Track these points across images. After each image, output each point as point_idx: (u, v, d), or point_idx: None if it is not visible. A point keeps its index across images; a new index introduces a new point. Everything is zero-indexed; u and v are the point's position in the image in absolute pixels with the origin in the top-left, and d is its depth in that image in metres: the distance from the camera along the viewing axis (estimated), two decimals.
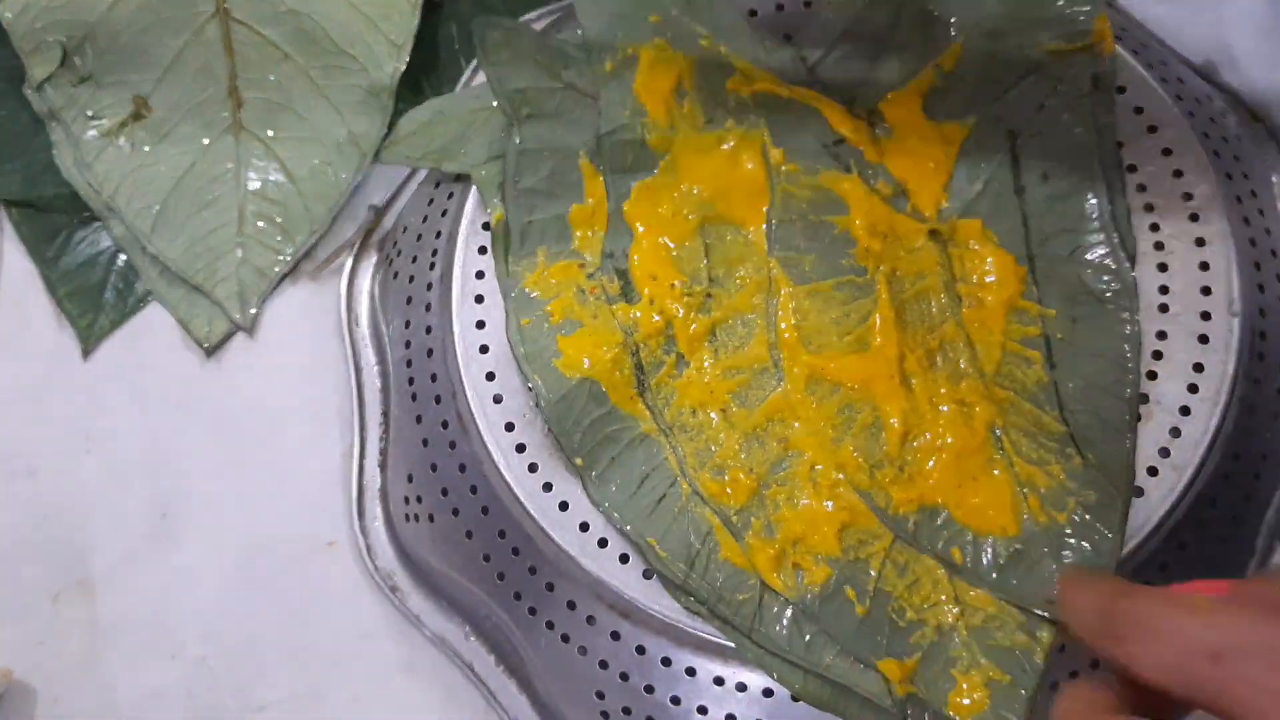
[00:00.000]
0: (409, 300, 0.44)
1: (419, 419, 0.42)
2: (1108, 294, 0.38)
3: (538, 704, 0.42)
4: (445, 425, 0.40)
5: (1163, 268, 0.39)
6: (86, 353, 0.49)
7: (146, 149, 0.48)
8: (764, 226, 0.40)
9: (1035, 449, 0.37)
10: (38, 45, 0.46)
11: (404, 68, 0.48)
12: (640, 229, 0.40)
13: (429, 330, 0.42)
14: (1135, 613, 0.26)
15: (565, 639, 0.38)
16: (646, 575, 0.36)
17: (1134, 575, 0.36)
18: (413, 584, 0.44)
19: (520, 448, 0.38)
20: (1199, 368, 0.37)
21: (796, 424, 0.38)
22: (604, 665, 0.38)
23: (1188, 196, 0.39)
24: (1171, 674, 0.25)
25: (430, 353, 0.41)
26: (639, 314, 0.39)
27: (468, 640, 0.43)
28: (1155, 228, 0.39)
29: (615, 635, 0.37)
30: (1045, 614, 0.35)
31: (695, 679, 0.37)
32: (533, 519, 0.37)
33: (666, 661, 0.37)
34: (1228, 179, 0.40)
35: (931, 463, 0.37)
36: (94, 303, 0.50)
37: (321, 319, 0.49)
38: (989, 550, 0.36)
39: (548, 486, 0.38)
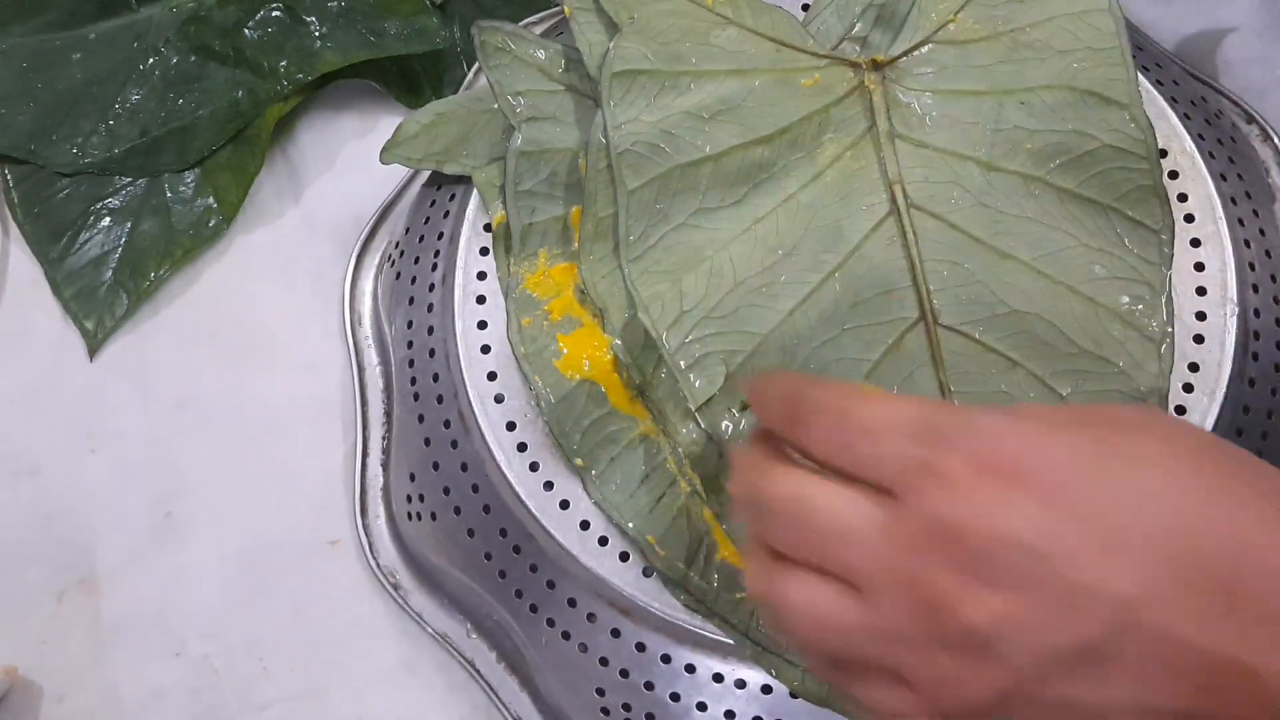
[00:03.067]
0: (411, 300, 0.44)
1: (421, 418, 0.42)
2: None
3: (539, 701, 0.42)
4: (447, 425, 0.41)
5: None
6: (92, 353, 0.50)
7: None
8: None
9: None
10: (695, 361, 0.37)
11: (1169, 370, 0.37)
12: None
13: (431, 330, 0.42)
14: (816, 399, 0.28)
15: (566, 636, 0.39)
16: (646, 573, 0.37)
17: None
18: (415, 582, 0.45)
19: (521, 447, 0.38)
20: (1194, 367, 0.38)
21: None
22: (604, 662, 0.38)
23: (1183, 198, 0.40)
24: (834, 448, 0.27)
25: (432, 353, 0.42)
26: None
27: (469, 638, 0.43)
28: None
29: (615, 632, 0.38)
30: None
31: (694, 676, 0.37)
32: (534, 517, 0.37)
33: (666, 658, 0.37)
34: (1222, 180, 0.41)
35: None
36: (99, 303, 0.50)
37: (324, 319, 0.49)
38: None
39: (549, 485, 0.38)
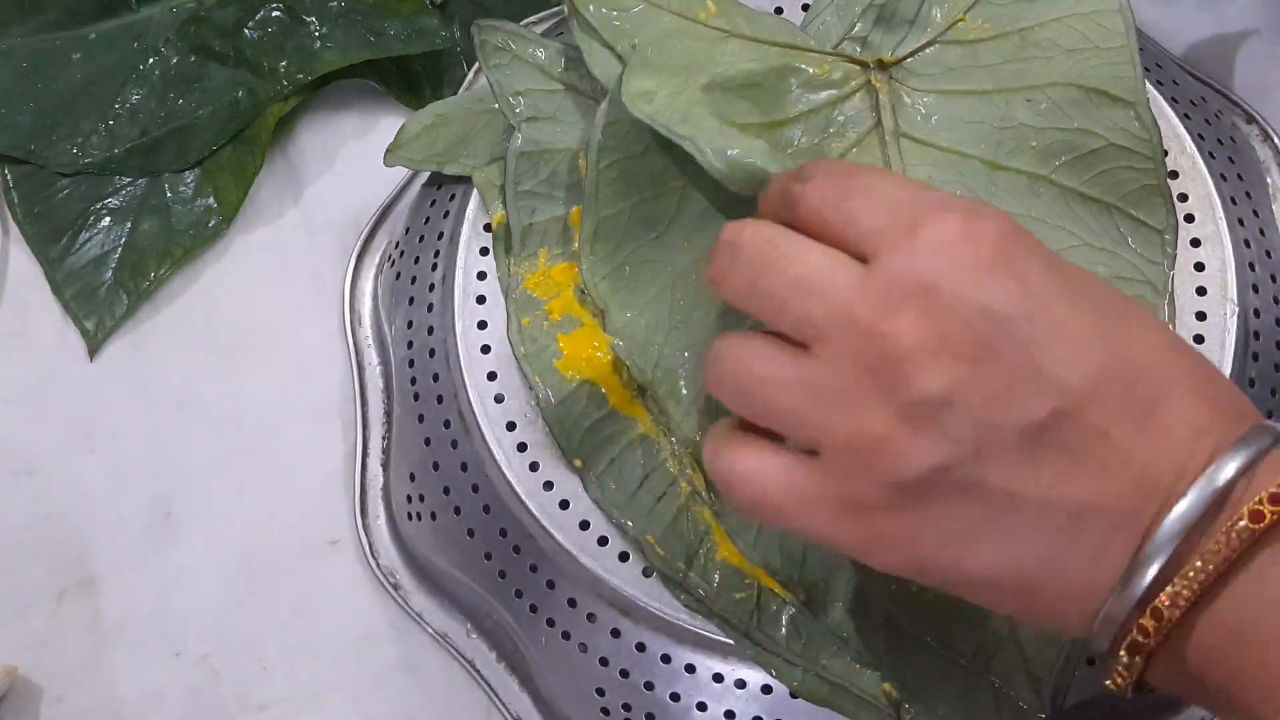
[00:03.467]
0: (411, 300, 0.44)
1: (421, 418, 0.42)
2: None
3: (539, 701, 0.42)
4: (447, 425, 0.41)
5: None
6: (92, 353, 0.50)
7: None
8: None
9: None
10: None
11: None
12: None
13: (431, 330, 0.42)
14: (818, 166, 0.28)
15: (566, 636, 0.39)
16: (646, 573, 0.37)
17: None
18: (415, 582, 0.45)
19: (521, 447, 0.38)
20: None
21: None
22: (604, 662, 0.38)
23: (1183, 198, 0.40)
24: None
25: (432, 353, 0.42)
26: None
27: (469, 638, 0.43)
28: None
29: (615, 632, 0.38)
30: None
31: (694, 676, 0.37)
32: (534, 517, 0.37)
33: (666, 658, 0.37)
34: (1223, 180, 0.41)
35: None
36: (99, 303, 0.50)
37: (324, 319, 0.49)
38: None
39: (548, 485, 0.38)
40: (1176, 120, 0.41)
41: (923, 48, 0.39)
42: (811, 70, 0.38)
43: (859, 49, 0.41)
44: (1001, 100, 0.39)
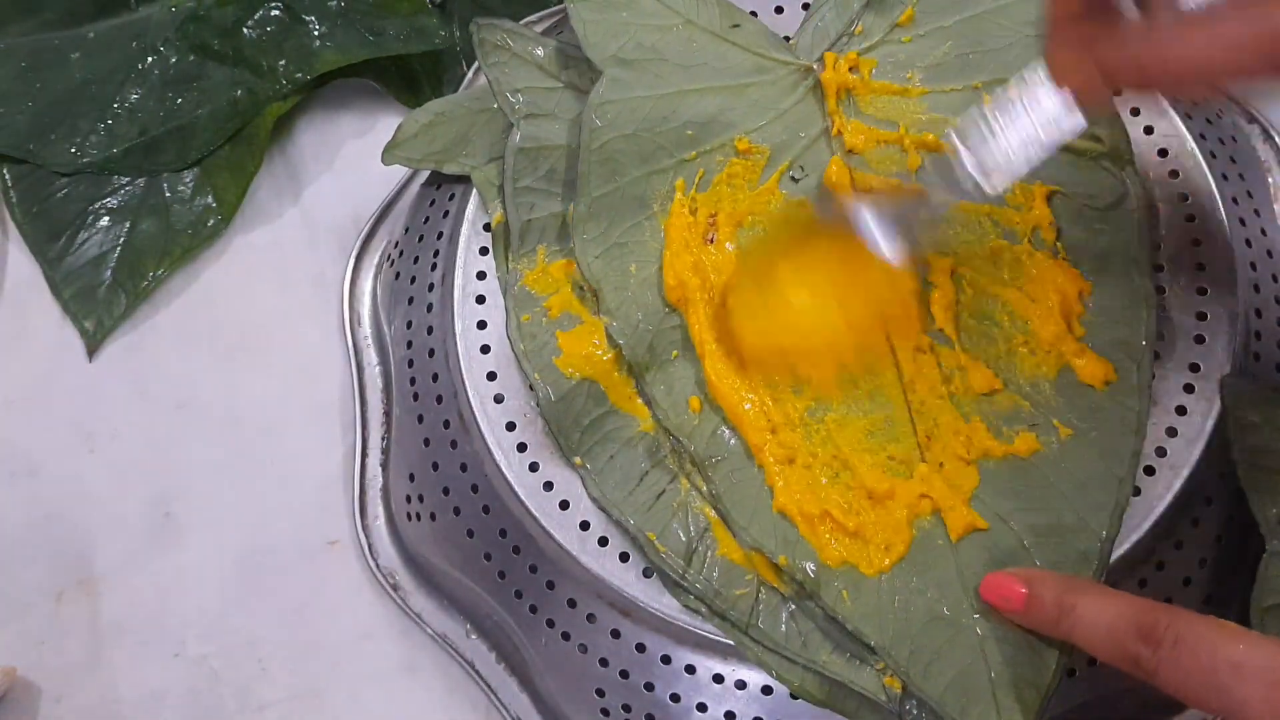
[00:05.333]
0: (410, 300, 0.44)
1: (420, 418, 0.42)
2: None
3: (539, 702, 0.42)
4: (447, 425, 0.40)
5: (1159, 268, 0.39)
6: (91, 353, 0.50)
7: None
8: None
9: None
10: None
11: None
12: None
13: (430, 330, 0.42)
14: (1176, 629, 0.28)
15: (566, 637, 0.38)
16: (646, 573, 0.37)
17: (1129, 572, 0.36)
18: (414, 583, 0.45)
19: (521, 447, 0.38)
20: (1195, 367, 0.37)
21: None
22: (604, 663, 0.38)
23: (1184, 198, 0.40)
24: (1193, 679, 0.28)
25: (432, 353, 0.42)
26: None
27: (469, 638, 0.43)
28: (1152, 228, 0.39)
29: (615, 633, 0.37)
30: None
31: (695, 676, 0.37)
32: (533, 518, 0.37)
33: (666, 659, 0.37)
34: (1224, 179, 0.40)
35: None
36: (98, 303, 0.50)
37: (323, 319, 0.49)
38: None
39: (548, 485, 0.38)
40: (1178, 119, 0.41)
41: (873, 46, 0.41)
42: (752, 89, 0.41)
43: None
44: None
